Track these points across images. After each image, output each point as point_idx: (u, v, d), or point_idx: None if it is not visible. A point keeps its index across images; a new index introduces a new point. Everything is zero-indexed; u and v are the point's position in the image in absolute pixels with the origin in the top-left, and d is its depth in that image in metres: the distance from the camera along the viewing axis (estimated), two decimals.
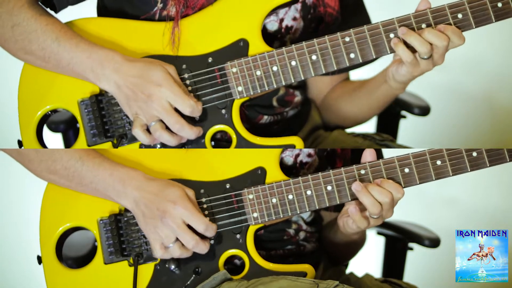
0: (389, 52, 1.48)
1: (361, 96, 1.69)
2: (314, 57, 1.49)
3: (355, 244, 1.71)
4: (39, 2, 1.54)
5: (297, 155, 1.63)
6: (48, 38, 1.49)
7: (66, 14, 1.57)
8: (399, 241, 1.97)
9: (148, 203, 1.46)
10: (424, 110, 2.04)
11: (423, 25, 1.47)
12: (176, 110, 1.46)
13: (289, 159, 1.63)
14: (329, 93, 1.77)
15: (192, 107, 1.46)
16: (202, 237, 1.47)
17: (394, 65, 1.53)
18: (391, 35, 1.48)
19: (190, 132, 1.47)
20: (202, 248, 1.46)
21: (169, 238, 1.45)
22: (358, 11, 1.71)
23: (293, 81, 1.49)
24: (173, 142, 1.48)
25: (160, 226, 1.45)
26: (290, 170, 1.62)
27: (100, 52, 1.48)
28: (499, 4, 1.47)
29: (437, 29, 1.46)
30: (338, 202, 1.49)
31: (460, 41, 1.47)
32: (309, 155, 1.64)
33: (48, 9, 1.55)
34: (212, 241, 1.50)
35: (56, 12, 1.55)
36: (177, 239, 1.46)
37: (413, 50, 1.47)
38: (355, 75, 1.79)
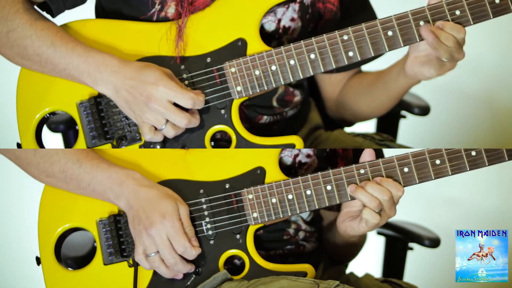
0: (387, 50, 1.48)
1: (378, 91, 1.67)
2: (312, 56, 1.49)
3: (356, 245, 1.70)
4: (36, 7, 1.53)
5: (296, 155, 1.63)
6: (43, 44, 1.49)
7: (65, 15, 1.56)
8: (399, 241, 1.96)
9: (144, 207, 1.46)
10: (424, 110, 2.04)
11: (421, 22, 1.47)
12: (177, 105, 1.46)
13: (288, 159, 1.62)
14: (343, 90, 1.75)
15: (193, 99, 1.45)
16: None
17: (417, 64, 1.52)
18: (389, 33, 1.48)
19: (196, 121, 1.48)
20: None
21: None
22: (363, 8, 1.70)
23: (292, 80, 1.49)
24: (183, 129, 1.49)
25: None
26: (289, 170, 1.62)
27: (96, 56, 1.47)
28: (497, 0, 1.47)
29: (436, 27, 1.46)
30: (338, 202, 1.49)
31: (462, 34, 1.47)
32: (308, 156, 1.63)
33: (45, 13, 1.54)
34: (210, 237, 1.50)
35: (53, 16, 1.55)
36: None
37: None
38: (365, 67, 1.78)
